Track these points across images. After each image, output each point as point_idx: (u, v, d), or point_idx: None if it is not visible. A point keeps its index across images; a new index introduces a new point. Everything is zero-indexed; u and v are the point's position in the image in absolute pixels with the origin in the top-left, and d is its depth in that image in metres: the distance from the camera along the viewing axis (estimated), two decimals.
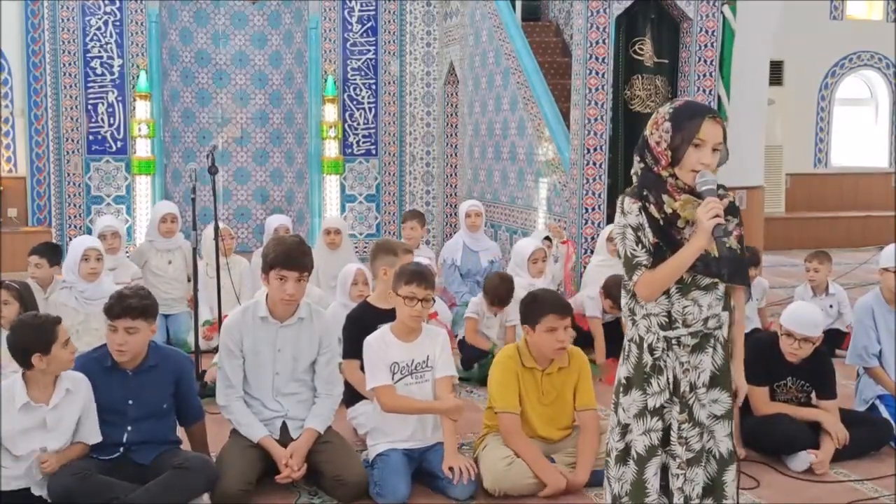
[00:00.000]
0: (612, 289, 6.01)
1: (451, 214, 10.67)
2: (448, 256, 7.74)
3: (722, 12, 7.75)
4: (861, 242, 11.90)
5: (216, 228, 5.82)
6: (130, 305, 3.75)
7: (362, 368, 4.45)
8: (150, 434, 3.83)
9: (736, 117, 7.85)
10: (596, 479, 3.96)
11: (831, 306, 6.62)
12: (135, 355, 3.81)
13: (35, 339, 3.55)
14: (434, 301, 4.27)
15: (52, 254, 6.06)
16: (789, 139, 12.90)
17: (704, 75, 7.75)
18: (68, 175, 10.03)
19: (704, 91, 7.75)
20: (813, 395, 4.64)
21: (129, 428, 3.80)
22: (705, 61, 7.74)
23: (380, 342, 4.10)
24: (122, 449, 3.79)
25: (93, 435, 3.70)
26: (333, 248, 7.15)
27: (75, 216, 10.07)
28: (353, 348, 4.43)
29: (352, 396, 4.52)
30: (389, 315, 4.41)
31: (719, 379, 2.89)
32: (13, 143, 10.65)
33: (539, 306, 4.10)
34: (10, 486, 3.52)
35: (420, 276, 4.05)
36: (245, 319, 4.11)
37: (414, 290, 4.01)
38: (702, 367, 2.85)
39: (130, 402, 3.80)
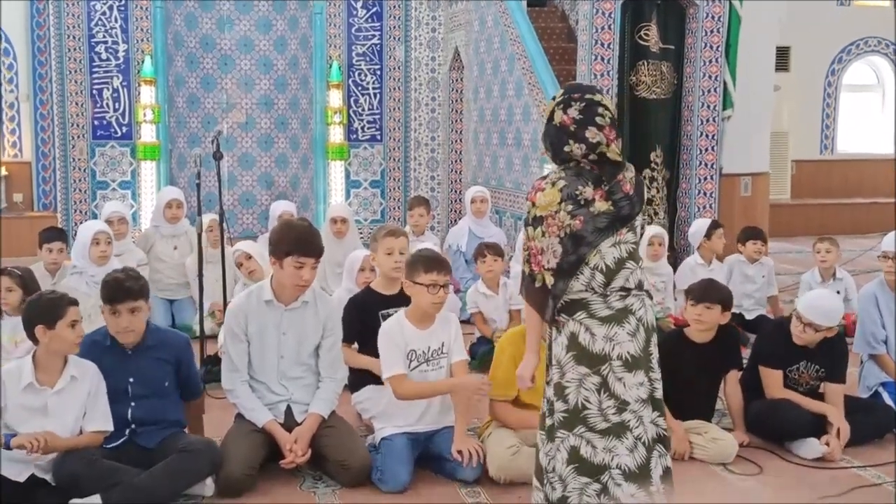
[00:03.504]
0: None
1: (455, 200, 10.66)
2: (453, 242, 7.75)
3: None
4: (866, 229, 11.87)
5: (221, 215, 5.82)
6: (130, 287, 3.79)
7: (361, 352, 4.50)
8: (154, 412, 3.86)
9: (742, 103, 7.85)
10: None
11: (839, 292, 6.61)
12: (137, 335, 3.84)
13: (43, 311, 3.58)
14: (452, 289, 4.29)
15: (66, 239, 6.09)
16: (795, 125, 12.86)
17: (710, 61, 7.74)
18: (73, 160, 10.03)
19: (710, 77, 7.75)
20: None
21: (133, 404, 3.83)
22: (711, 47, 7.72)
23: (397, 330, 4.09)
24: (127, 432, 3.81)
25: (102, 422, 3.70)
26: (340, 236, 7.15)
27: (81, 201, 10.07)
28: (350, 332, 4.44)
29: (356, 381, 4.53)
30: (393, 301, 4.43)
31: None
32: (18, 127, 10.66)
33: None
34: (18, 477, 3.52)
35: (439, 262, 4.08)
36: (250, 303, 4.12)
37: (435, 278, 4.01)
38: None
39: (132, 379, 3.83)
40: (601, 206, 3.06)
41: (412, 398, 4.05)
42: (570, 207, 3.04)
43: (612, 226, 3.07)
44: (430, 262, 4.05)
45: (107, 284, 3.84)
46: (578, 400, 3.07)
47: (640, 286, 3.13)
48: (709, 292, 4.47)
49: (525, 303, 3.26)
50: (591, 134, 3.08)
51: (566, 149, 3.11)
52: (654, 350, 3.13)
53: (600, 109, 3.11)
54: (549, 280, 3.08)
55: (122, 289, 3.78)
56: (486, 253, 5.94)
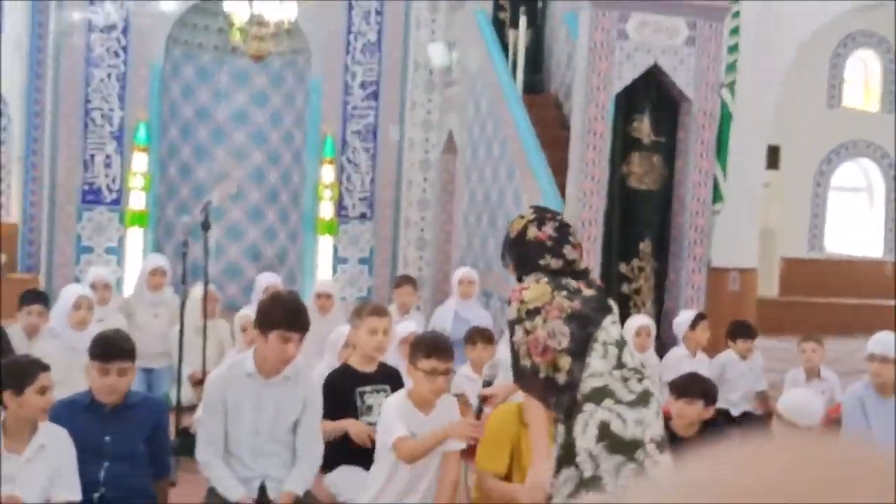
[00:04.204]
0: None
1: (442, 281, 10.62)
2: (438, 323, 7.67)
3: (720, 95, 7.82)
4: (854, 329, 11.86)
5: (206, 285, 5.77)
6: (123, 347, 3.78)
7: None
8: (126, 477, 3.77)
9: (732, 198, 7.89)
10: None
11: (823, 392, 6.55)
12: (120, 396, 3.79)
13: (11, 376, 3.51)
14: (454, 372, 4.19)
15: (46, 302, 6.02)
16: (784, 223, 12.96)
17: (702, 155, 7.80)
18: (60, 223, 9.98)
19: (701, 171, 7.79)
20: None
21: (107, 464, 3.73)
22: (703, 142, 7.79)
23: (402, 407, 3.96)
24: (96, 501, 3.70)
25: (70, 492, 3.58)
26: (324, 312, 7.08)
27: (64, 265, 9.99)
28: (324, 410, 4.34)
29: (329, 460, 4.42)
30: (370, 378, 4.36)
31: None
32: (8, 188, 10.64)
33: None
34: None
35: (440, 348, 3.94)
36: (231, 374, 4.04)
37: (435, 364, 3.87)
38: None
39: (107, 438, 3.76)
40: (588, 292, 3.22)
41: (418, 457, 3.88)
42: (563, 293, 3.17)
43: (604, 308, 3.22)
44: (432, 347, 3.93)
45: (100, 342, 3.79)
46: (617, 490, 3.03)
47: (643, 366, 3.22)
48: (690, 388, 4.41)
49: (528, 401, 3.29)
50: (568, 251, 3.30)
51: (542, 262, 3.28)
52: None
53: (570, 229, 3.41)
54: (565, 363, 3.10)
55: (117, 348, 3.76)
56: (477, 340, 5.89)
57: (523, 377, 3.22)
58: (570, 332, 3.11)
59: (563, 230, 3.34)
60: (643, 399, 3.08)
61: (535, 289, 3.19)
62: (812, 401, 4.52)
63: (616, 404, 3.03)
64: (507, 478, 4.05)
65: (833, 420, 5.67)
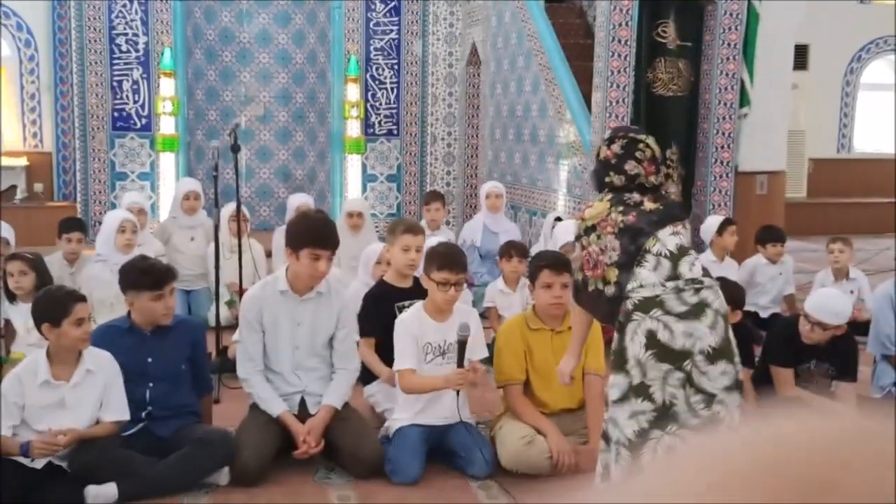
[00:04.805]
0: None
1: (471, 195, 10.69)
2: (468, 237, 7.77)
3: None
4: (882, 229, 11.82)
5: (238, 207, 5.85)
6: (168, 270, 3.95)
7: (377, 347, 4.51)
8: (171, 395, 3.92)
9: (759, 101, 7.82)
10: None
11: (852, 292, 6.60)
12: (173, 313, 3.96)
13: (48, 309, 3.61)
14: (466, 283, 4.30)
15: (85, 229, 6.15)
16: (812, 124, 12.80)
17: (728, 59, 7.72)
18: (93, 151, 10.10)
19: (728, 74, 7.73)
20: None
21: (151, 385, 3.88)
22: (729, 45, 7.70)
23: (414, 322, 4.11)
24: (144, 416, 3.85)
25: (119, 412, 3.72)
26: (356, 230, 7.17)
27: (100, 192, 10.15)
28: (369, 326, 4.48)
29: (369, 374, 4.57)
30: (407, 293, 4.46)
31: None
32: (39, 118, 10.75)
33: (536, 262, 4.27)
34: (35, 464, 3.55)
35: (452, 260, 4.07)
36: (265, 293, 4.16)
37: (447, 276, 4.02)
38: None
39: (150, 360, 3.89)
40: (650, 206, 3.26)
41: (415, 392, 4.08)
42: (620, 208, 3.24)
43: (665, 220, 3.23)
44: (444, 259, 4.06)
45: (148, 272, 3.89)
46: (664, 397, 3.11)
47: (707, 275, 3.24)
48: None
49: (575, 307, 3.45)
50: (630, 166, 3.32)
51: (607, 179, 3.35)
52: (732, 336, 3.22)
53: (641, 146, 3.35)
54: (613, 275, 3.19)
55: (163, 271, 3.91)
56: (512, 253, 5.99)
57: (576, 291, 3.37)
58: (621, 246, 3.19)
59: (631, 146, 3.34)
60: (697, 311, 3.12)
61: (596, 206, 3.29)
62: (838, 300, 4.59)
63: (664, 315, 3.09)
64: (527, 390, 4.18)
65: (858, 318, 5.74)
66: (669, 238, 3.20)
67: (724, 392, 3.11)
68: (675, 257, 3.17)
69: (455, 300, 4.11)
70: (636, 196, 3.27)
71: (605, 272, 3.20)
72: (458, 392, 3.98)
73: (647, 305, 3.11)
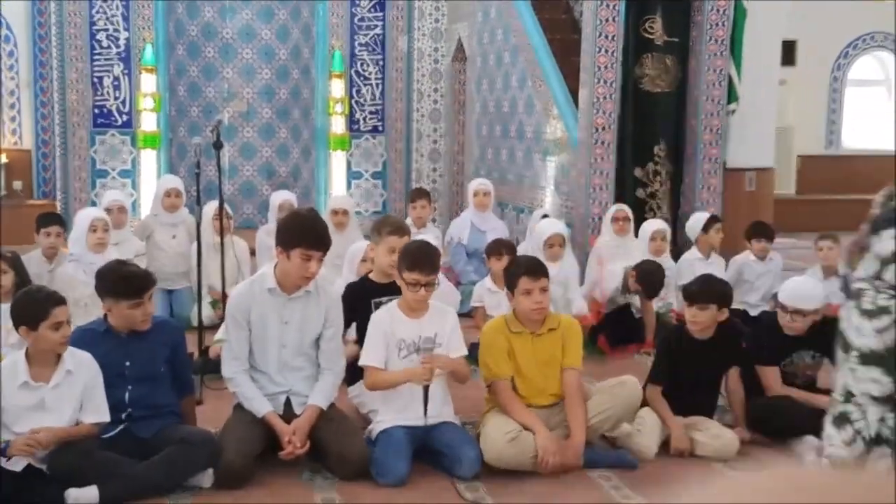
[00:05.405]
0: (649, 275, 5.86)
1: (457, 192, 10.62)
2: (455, 235, 7.69)
3: None
4: None
5: (221, 205, 5.76)
6: (147, 277, 3.89)
7: (358, 340, 4.45)
8: (150, 397, 3.84)
9: (747, 97, 7.77)
10: (590, 460, 4.01)
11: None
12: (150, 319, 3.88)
13: (25, 312, 3.54)
14: (438, 284, 4.24)
15: (63, 224, 6.05)
16: (800, 120, 12.79)
17: (716, 55, 7.67)
18: (74, 148, 9.98)
19: (715, 71, 7.68)
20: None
21: (130, 387, 3.81)
22: (716, 40, 7.65)
23: (386, 319, 4.09)
24: (124, 419, 3.78)
25: (99, 414, 3.66)
26: (340, 228, 7.08)
27: (80, 189, 10.03)
28: (343, 318, 4.41)
29: (353, 375, 4.50)
30: (387, 290, 4.40)
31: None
32: (19, 115, 10.61)
33: (514, 270, 4.18)
34: (15, 467, 3.48)
35: (422, 262, 4.01)
36: (252, 291, 4.10)
37: (417, 277, 3.98)
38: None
39: (128, 363, 3.82)
40: None
41: (378, 388, 4.07)
42: None
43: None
44: (414, 259, 4.02)
45: (128, 280, 3.81)
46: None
47: None
48: (702, 293, 4.42)
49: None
50: None
51: None
52: None
53: None
54: None
55: (142, 278, 3.84)
56: (502, 252, 5.91)
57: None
58: None
59: None
60: (875, 314, 3.26)
61: None
62: (808, 284, 4.61)
63: None
64: (516, 384, 4.13)
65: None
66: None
67: (864, 397, 3.28)
68: (886, 262, 3.33)
69: (426, 300, 4.08)
70: None
71: None
72: (425, 390, 3.94)
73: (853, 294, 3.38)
